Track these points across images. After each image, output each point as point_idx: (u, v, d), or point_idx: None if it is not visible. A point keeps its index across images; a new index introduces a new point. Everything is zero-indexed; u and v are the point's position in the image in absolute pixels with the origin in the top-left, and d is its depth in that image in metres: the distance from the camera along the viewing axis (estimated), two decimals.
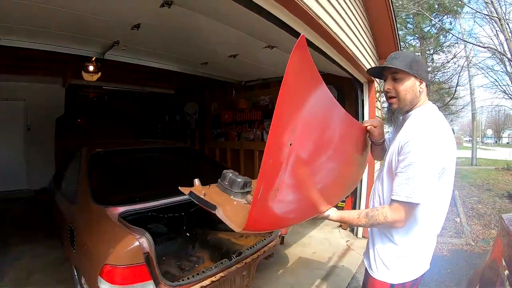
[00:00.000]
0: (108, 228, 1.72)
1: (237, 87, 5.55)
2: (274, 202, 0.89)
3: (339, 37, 2.55)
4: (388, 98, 1.26)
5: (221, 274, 1.98)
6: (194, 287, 1.82)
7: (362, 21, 3.33)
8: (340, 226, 4.02)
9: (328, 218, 1.21)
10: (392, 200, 1.13)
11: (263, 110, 5.23)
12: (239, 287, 2.22)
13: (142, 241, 1.57)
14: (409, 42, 14.25)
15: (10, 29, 2.72)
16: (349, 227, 3.96)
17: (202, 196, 1.25)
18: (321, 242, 3.70)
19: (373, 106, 3.98)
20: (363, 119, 3.93)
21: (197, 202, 1.25)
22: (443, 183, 1.17)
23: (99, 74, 4.36)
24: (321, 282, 2.75)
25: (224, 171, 1.36)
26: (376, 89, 4.01)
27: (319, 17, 2.13)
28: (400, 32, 8.97)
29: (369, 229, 1.33)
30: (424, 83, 1.21)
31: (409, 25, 13.72)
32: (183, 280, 1.80)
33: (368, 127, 1.39)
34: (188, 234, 2.64)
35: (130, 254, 1.53)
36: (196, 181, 1.41)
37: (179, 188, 1.38)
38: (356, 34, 3.04)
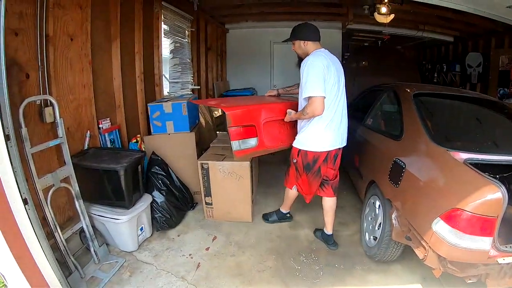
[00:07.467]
0: (460, 172, 1.56)
1: None
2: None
3: None
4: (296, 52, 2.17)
5: None
6: None
7: None
8: None
9: (292, 116, 2.12)
10: (303, 99, 1.97)
11: None
12: None
13: (502, 194, 1.38)
14: None
15: None
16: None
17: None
18: None
19: None
20: None
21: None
22: (327, 87, 1.92)
23: (392, 15, 4.20)
24: None
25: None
26: None
27: None
28: None
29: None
30: (306, 41, 2.05)
31: None
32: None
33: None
34: None
35: (487, 204, 1.37)
36: None
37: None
38: None
